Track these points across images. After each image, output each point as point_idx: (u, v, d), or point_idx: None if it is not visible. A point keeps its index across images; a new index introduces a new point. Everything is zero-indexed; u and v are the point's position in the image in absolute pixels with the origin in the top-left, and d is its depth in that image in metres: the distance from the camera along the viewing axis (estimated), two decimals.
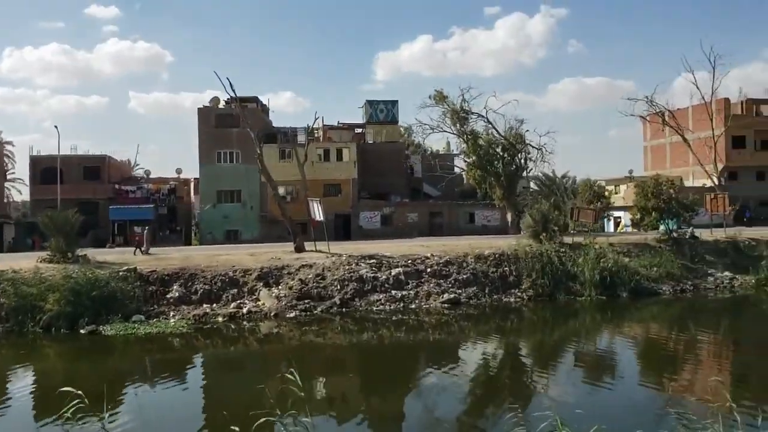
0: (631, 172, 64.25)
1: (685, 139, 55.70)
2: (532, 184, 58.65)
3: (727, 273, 35.89)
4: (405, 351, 24.14)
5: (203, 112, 49.69)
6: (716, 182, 53.95)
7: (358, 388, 19.44)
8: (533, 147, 48.88)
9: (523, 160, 49.44)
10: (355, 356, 23.89)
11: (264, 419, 9.85)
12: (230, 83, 35.64)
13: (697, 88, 54.53)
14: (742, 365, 21.08)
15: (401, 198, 51.42)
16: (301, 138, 53.82)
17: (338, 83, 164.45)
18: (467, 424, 15.09)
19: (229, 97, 38.16)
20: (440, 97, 47.07)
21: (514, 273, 33.03)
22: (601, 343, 25.63)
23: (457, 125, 47.42)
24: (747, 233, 40.06)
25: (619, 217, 56.13)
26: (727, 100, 57.31)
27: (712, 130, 53.87)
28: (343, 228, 48.33)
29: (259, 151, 36.61)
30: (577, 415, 13.44)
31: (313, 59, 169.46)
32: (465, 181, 57.47)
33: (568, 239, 36.66)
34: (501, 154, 48.41)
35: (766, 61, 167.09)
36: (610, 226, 62.88)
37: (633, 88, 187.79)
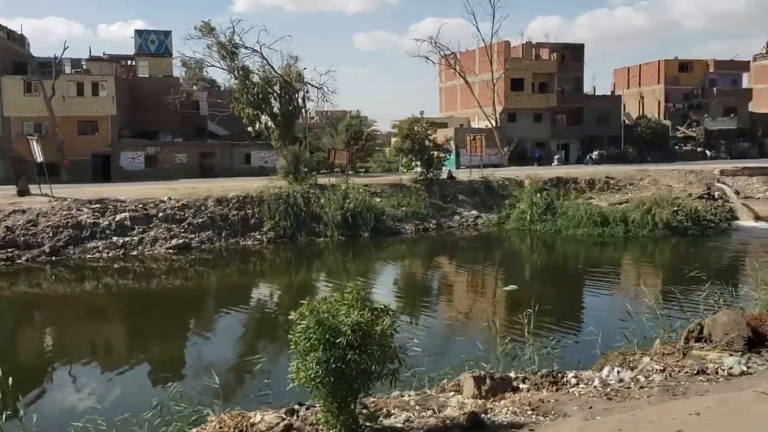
0: (422, 113, 64.76)
1: (466, 81, 56.97)
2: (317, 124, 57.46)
3: (474, 212, 37.08)
4: (144, 298, 23.14)
5: None
6: (495, 124, 55.70)
7: (108, 336, 18.63)
8: (313, 86, 47.43)
9: (301, 100, 47.92)
10: (88, 305, 22.52)
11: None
12: None
13: (478, 30, 55.54)
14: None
15: (172, 137, 48.12)
16: (68, 70, 48.87)
17: (193, 12, 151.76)
18: (238, 366, 14.48)
19: None
20: (207, 29, 43.84)
21: (257, 216, 31.99)
22: (346, 281, 25.59)
23: (227, 60, 44.59)
24: (501, 173, 41.60)
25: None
26: (507, 43, 58.70)
27: (492, 72, 55.35)
28: (102, 169, 44.47)
29: None
30: None
31: None
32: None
33: (324, 180, 36.17)
34: (278, 92, 46.44)
35: (611, 7, 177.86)
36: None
37: (486, 30, 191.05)
